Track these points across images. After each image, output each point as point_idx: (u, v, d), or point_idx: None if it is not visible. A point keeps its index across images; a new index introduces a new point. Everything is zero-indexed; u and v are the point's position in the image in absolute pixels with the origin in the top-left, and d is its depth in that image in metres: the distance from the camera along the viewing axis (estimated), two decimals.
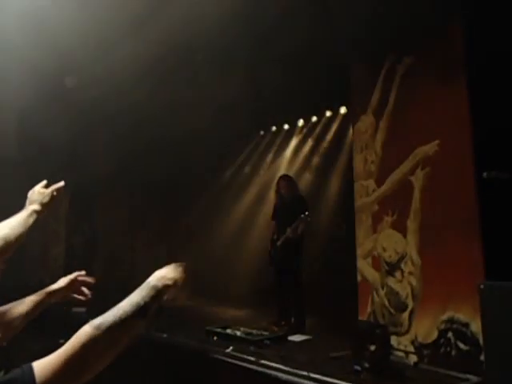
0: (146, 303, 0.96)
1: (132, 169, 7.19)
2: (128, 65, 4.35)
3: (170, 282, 1.04)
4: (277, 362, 3.20)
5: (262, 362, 3.23)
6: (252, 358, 3.31)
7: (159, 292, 1.01)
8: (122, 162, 6.84)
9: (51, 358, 0.87)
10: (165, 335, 4.12)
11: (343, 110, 5.99)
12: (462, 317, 2.91)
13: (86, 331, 0.90)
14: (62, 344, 0.90)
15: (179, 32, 3.87)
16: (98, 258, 7.47)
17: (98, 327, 0.90)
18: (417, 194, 3.42)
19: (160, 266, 1.10)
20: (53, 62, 4.22)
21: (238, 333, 3.98)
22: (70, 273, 1.61)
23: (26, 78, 4.36)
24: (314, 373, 2.94)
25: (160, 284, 1.02)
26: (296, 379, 2.90)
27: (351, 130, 4.44)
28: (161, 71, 4.78)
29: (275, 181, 5.35)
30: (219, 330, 4.08)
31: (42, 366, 0.84)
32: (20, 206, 1.63)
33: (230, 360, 3.37)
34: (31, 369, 0.83)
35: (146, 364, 3.95)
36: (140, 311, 0.95)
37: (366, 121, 4.01)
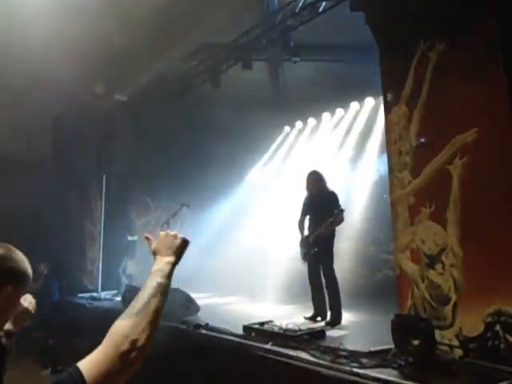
0: (166, 279, 1.06)
1: None
2: None
3: (178, 244, 1.15)
4: (317, 358, 3.20)
5: (302, 357, 3.23)
6: (292, 353, 3.32)
7: (177, 260, 1.13)
8: None
9: (95, 354, 0.86)
10: (204, 331, 4.18)
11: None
12: (510, 309, 2.81)
13: (119, 322, 0.92)
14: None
15: None
16: None
17: (128, 315, 0.93)
18: (456, 184, 3.32)
19: None
20: None
21: (276, 328, 3.99)
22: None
23: None
24: (357, 367, 2.93)
25: (173, 257, 1.12)
26: (338, 374, 2.89)
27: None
28: None
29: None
30: (257, 326, 4.11)
31: (87, 364, 0.83)
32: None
33: (270, 356, 3.40)
34: (78, 369, 0.82)
35: (187, 360, 4.02)
36: (163, 288, 1.03)
37: (399, 111, 3.92)
